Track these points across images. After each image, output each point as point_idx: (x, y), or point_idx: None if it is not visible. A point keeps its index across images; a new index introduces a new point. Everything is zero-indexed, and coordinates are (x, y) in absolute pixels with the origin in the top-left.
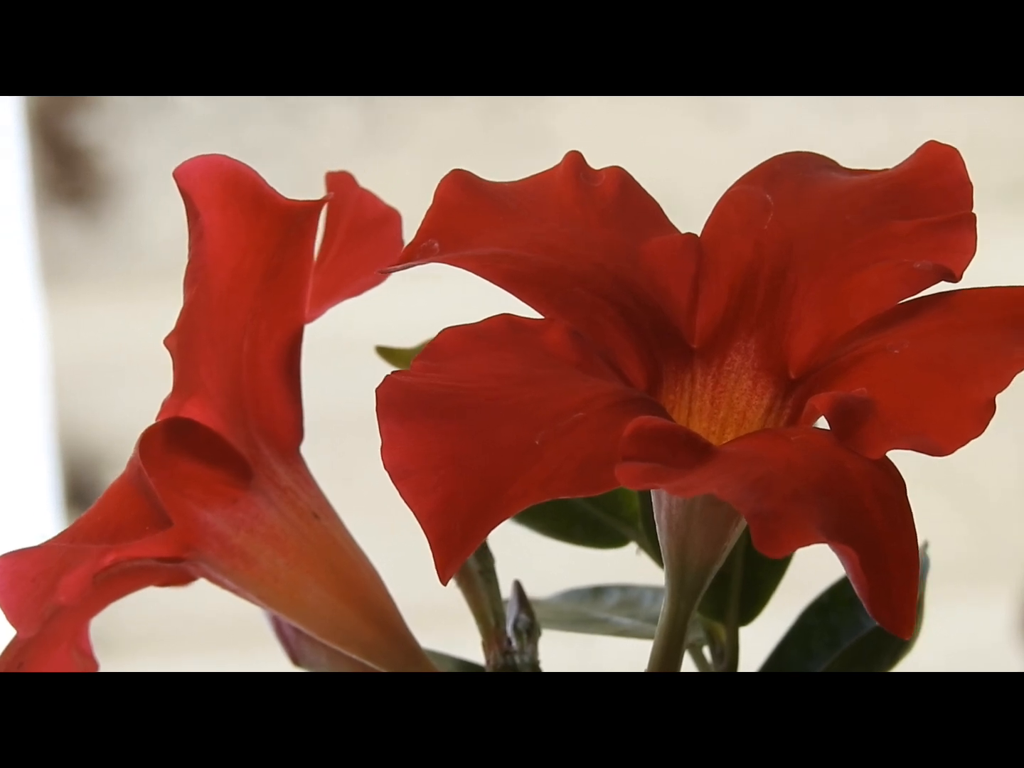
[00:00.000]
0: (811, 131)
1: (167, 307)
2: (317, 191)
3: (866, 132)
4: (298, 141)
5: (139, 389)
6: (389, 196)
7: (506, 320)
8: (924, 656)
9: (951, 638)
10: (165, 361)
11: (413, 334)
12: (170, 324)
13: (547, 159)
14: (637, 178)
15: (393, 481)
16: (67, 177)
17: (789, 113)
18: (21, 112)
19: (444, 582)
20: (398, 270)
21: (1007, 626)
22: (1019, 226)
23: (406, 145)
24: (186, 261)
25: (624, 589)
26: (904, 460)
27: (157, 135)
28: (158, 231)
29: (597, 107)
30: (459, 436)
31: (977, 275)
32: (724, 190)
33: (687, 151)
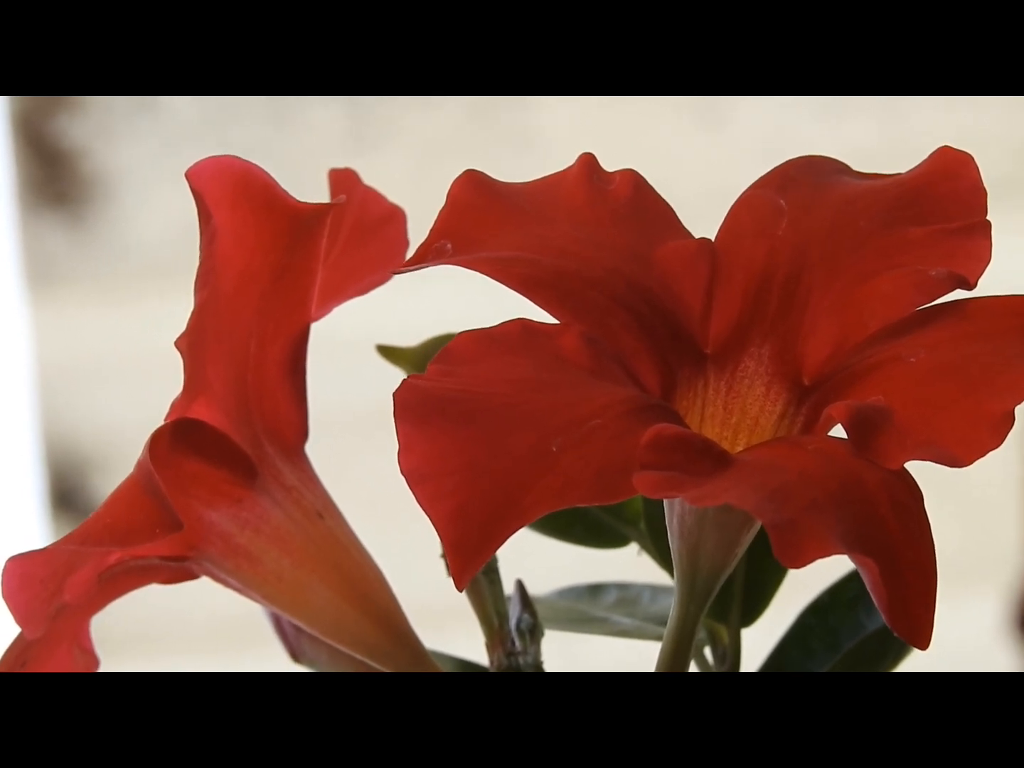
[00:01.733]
0: (799, 131)
1: (153, 309)
2: (302, 191)
3: (854, 132)
4: (283, 141)
5: (125, 391)
6: None
7: (521, 325)
8: (916, 655)
9: (941, 637)
10: (151, 363)
11: (414, 332)
12: (156, 326)
13: (533, 159)
14: None
15: (410, 486)
16: (52, 179)
17: (776, 113)
18: (5, 114)
19: (460, 589)
20: (410, 271)
21: (997, 624)
22: (1005, 224)
23: (391, 145)
24: (197, 263)
25: (622, 587)
26: None
27: (142, 136)
28: (143, 233)
29: (583, 107)
30: (475, 442)
31: None
32: (712, 190)
33: (674, 151)
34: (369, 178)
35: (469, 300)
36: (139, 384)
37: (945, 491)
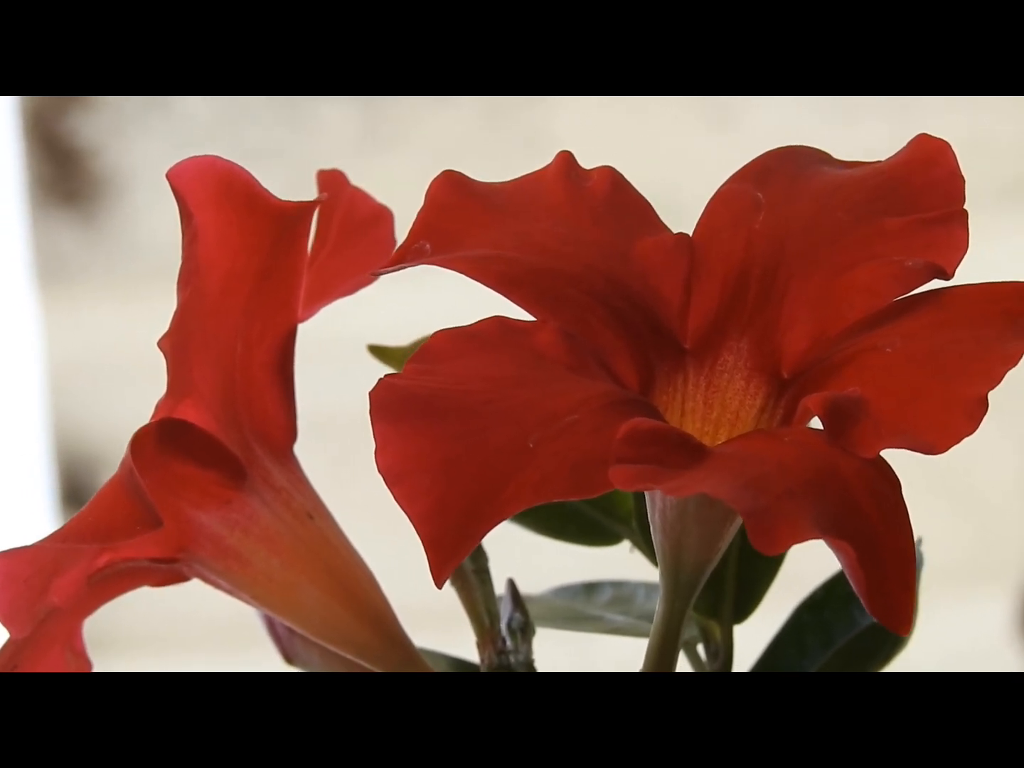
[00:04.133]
0: (808, 131)
1: (163, 308)
2: (315, 192)
3: (863, 132)
4: (296, 142)
5: (135, 389)
6: (388, 197)
7: (498, 322)
8: (920, 656)
9: (948, 638)
10: (161, 361)
11: (404, 332)
12: (166, 324)
13: (546, 160)
14: (635, 179)
15: (387, 484)
16: (63, 178)
17: (787, 113)
18: (17, 113)
19: (439, 585)
20: (390, 272)
21: (1005, 626)
22: (1017, 224)
23: (405, 146)
24: (180, 263)
25: (616, 585)
26: (901, 461)
27: (153, 136)
28: (154, 232)
29: (596, 108)
30: (452, 438)
31: (974, 274)
32: None
33: (686, 151)
34: (382, 179)
35: (461, 300)
36: (149, 382)
37: (954, 493)
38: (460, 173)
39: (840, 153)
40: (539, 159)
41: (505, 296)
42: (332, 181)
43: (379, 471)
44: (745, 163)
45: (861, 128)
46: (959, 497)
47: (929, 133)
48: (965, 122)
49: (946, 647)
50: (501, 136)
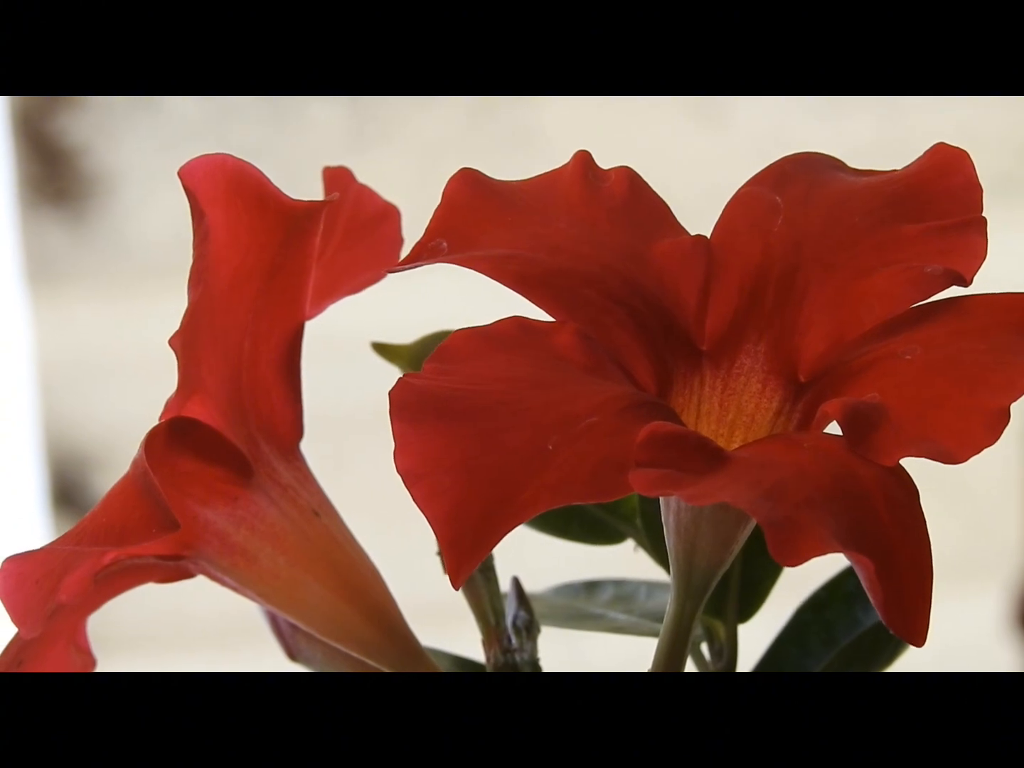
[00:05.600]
0: (797, 130)
1: (153, 307)
2: (304, 191)
3: (852, 131)
4: (284, 141)
5: (125, 389)
6: None
7: (516, 322)
8: (917, 653)
9: (942, 634)
10: (151, 361)
11: (410, 330)
12: (156, 324)
13: (534, 159)
14: None
15: (405, 484)
16: (52, 178)
17: (775, 113)
18: (5, 113)
19: (456, 587)
20: (405, 269)
21: (998, 621)
22: (1005, 221)
23: (393, 145)
24: (190, 261)
25: (618, 584)
26: None
27: (142, 135)
28: (143, 231)
29: (584, 107)
30: (471, 439)
31: None
32: (711, 189)
33: (674, 151)
34: (370, 178)
35: (465, 297)
36: (140, 381)
37: (946, 489)
38: (477, 171)
39: (828, 151)
40: (525, 158)
41: (523, 296)
42: (339, 178)
43: (398, 471)
44: (731, 162)
45: (849, 127)
46: (950, 493)
47: (947, 142)
48: (950, 120)
49: (938, 642)
50: (487, 135)
